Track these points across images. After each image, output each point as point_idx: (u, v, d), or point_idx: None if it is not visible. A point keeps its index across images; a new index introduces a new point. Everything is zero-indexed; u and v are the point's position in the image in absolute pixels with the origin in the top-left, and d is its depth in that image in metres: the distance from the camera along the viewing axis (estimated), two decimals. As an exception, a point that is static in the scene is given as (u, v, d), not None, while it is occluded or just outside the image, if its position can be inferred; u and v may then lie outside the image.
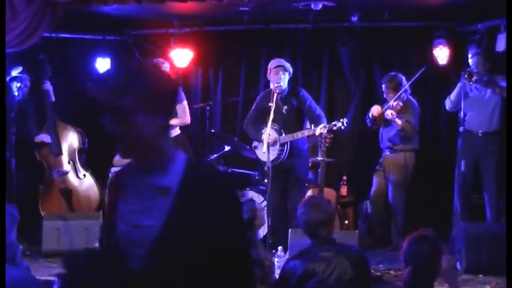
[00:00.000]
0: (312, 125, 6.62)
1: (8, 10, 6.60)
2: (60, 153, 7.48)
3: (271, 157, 6.56)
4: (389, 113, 7.04)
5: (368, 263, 4.00)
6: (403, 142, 7.18)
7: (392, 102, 7.09)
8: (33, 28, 6.85)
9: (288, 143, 6.70)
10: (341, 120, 6.49)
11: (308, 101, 6.80)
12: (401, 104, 7.09)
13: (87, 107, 8.14)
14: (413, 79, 7.17)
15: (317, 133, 6.48)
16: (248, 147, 7.21)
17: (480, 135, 6.76)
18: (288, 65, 6.81)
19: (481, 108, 6.75)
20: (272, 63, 6.87)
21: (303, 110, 6.78)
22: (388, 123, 7.21)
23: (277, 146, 6.67)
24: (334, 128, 6.47)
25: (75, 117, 7.94)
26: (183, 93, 6.96)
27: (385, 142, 7.31)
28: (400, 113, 7.07)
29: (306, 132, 6.67)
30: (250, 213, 4.48)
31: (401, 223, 7.18)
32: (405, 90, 7.14)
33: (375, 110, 7.20)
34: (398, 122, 7.01)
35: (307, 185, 7.47)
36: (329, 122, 6.64)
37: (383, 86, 7.31)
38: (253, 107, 7.06)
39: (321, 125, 6.48)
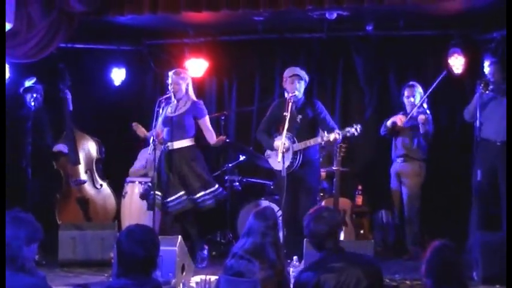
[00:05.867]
0: (325, 132, 6.60)
1: (25, 21, 6.66)
2: (77, 162, 7.51)
3: (285, 165, 6.50)
4: (423, 118, 7.06)
5: (381, 270, 3.92)
6: (419, 151, 7.23)
7: (415, 110, 7.16)
8: (50, 38, 6.90)
9: (301, 153, 6.67)
10: (354, 126, 6.48)
11: (323, 113, 6.81)
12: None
13: (104, 116, 8.45)
14: (434, 85, 7.20)
15: (331, 138, 6.47)
16: (262, 156, 7.17)
17: (498, 144, 6.67)
18: (303, 74, 6.81)
19: (498, 117, 6.65)
20: (287, 72, 6.87)
21: (317, 120, 6.79)
22: (404, 132, 7.23)
23: (290, 154, 6.64)
24: (348, 134, 6.47)
25: (91, 127, 7.99)
26: (204, 108, 6.97)
27: (400, 150, 7.32)
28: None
29: (319, 139, 6.64)
30: (273, 218, 4.43)
31: (417, 232, 7.18)
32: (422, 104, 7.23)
33: (400, 119, 7.24)
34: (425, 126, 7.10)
35: (322, 194, 7.47)
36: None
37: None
38: (266, 116, 7.04)
39: (335, 131, 6.48)
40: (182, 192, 6.74)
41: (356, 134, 6.49)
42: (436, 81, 7.18)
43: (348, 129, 6.48)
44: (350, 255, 3.93)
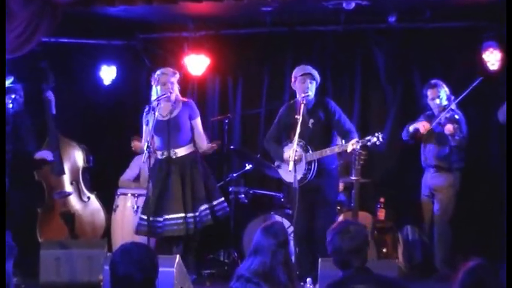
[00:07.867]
0: (343, 141, 6.38)
1: (3, 12, 6.67)
2: (62, 172, 7.24)
3: (297, 177, 6.22)
4: (451, 129, 6.68)
5: None
6: (452, 160, 6.92)
7: (443, 116, 6.81)
8: (31, 32, 6.66)
9: (316, 161, 6.37)
10: (376, 134, 6.14)
11: (337, 114, 6.51)
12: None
13: (92, 120, 8.13)
14: (467, 91, 6.84)
15: (348, 149, 6.16)
16: (272, 165, 6.92)
17: (537, 150, 6.27)
18: (315, 73, 6.53)
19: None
20: (297, 71, 6.58)
21: (331, 124, 6.52)
22: (432, 139, 6.90)
23: (303, 164, 6.35)
24: (368, 143, 6.13)
25: (78, 132, 7.84)
26: (196, 108, 6.78)
27: (431, 160, 6.98)
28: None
29: (336, 149, 6.37)
30: (283, 234, 4.30)
31: (448, 250, 6.89)
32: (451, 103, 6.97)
33: (423, 126, 6.89)
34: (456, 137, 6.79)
35: (339, 208, 7.24)
36: (362, 137, 6.33)
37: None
38: (275, 123, 6.82)
39: (353, 140, 6.16)
40: (180, 215, 6.46)
41: (378, 143, 6.14)
42: (471, 87, 6.86)
43: (368, 137, 6.13)
44: (377, 277, 3.69)
